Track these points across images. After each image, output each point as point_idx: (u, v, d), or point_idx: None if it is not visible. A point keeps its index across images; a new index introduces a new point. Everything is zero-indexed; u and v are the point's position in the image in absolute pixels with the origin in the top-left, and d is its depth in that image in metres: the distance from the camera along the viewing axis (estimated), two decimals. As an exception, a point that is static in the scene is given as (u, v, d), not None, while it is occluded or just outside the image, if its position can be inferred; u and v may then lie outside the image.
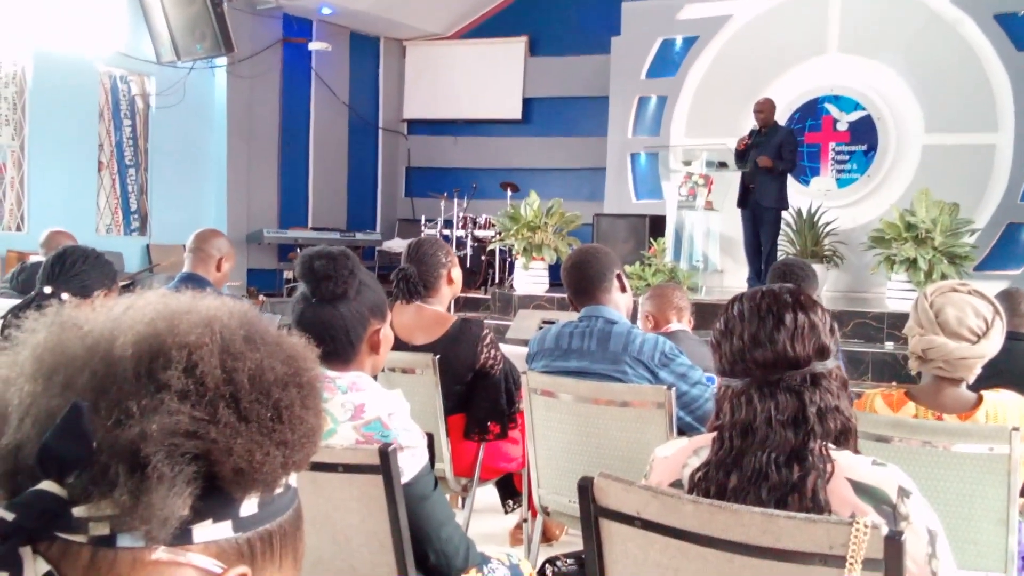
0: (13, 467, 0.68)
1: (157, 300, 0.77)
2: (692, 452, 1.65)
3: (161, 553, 0.69)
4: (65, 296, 2.56)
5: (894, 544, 1.33)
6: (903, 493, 1.48)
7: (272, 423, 0.73)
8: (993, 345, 2.35)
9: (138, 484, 0.66)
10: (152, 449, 0.67)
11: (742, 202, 8.66)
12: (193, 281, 3.93)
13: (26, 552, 0.65)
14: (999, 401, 2.40)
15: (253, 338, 0.75)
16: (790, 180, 8.90)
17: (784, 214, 8.78)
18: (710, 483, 1.57)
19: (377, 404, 1.96)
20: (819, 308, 1.64)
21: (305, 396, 0.77)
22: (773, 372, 1.58)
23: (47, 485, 0.66)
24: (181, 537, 0.69)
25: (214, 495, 0.71)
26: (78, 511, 0.67)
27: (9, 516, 0.65)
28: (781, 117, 9.21)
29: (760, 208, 8.49)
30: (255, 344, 0.75)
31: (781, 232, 8.81)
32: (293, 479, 0.79)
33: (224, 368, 0.72)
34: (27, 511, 0.65)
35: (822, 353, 1.59)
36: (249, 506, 0.74)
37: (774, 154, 8.30)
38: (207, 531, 0.71)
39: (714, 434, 1.62)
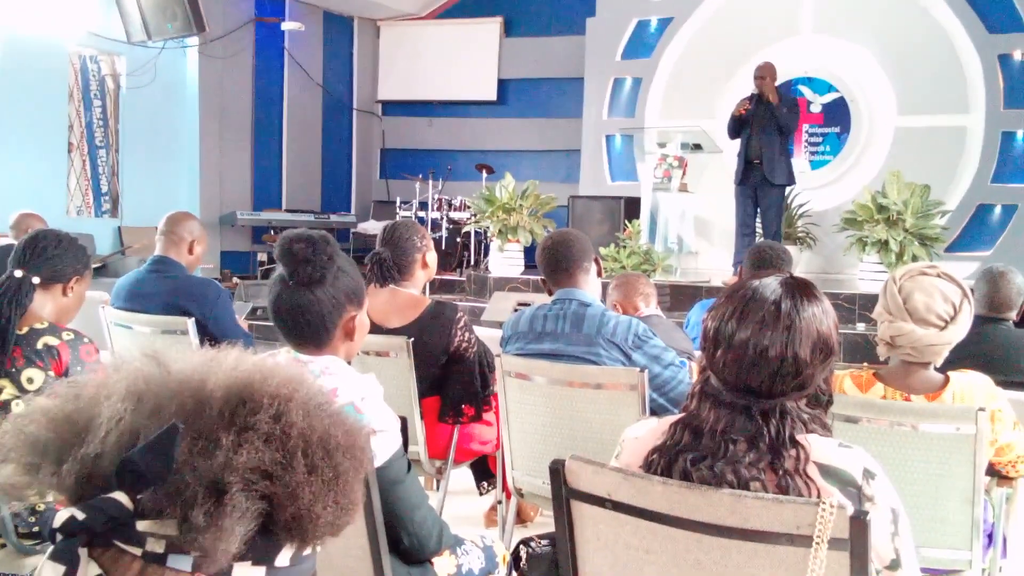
0: (88, 474, 0.73)
1: (245, 356, 0.85)
2: (663, 433, 1.66)
3: None
4: (36, 280, 2.53)
5: (859, 524, 1.35)
6: (868, 475, 1.50)
7: (332, 483, 0.80)
8: (961, 330, 2.37)
9: (214, 508, 0.72)
10: (233, 479, 0.73)
11: (742, 179, 8.25)
12: (165, 264, 3.89)
13: (83, 553, 0.71)
14: (966, 382, 2.43)
15: (323, 406, 0.84)
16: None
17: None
18: (655, 468, 1.58)
19: (350, 388, 1.96)
20: (828, 348, 1.56)
21: (357, 469, 0.84)
22: (743, 397, 1.56)
23: (118, 495, 0.71)
24: (222, 570, 0.75)
25: (263, 538, 0.77)
26: (142, 525, 0.72)
27: (80, 515, 0.70)
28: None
29: (768, 186, 8.15)
30: (325, 411, 0.83)
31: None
32: (318, 547, 0.86)
33: (303, 424, 0.79)
34: (97, 514, 0.70)
35: (802, 387, 1.56)
36: (283, 558, 0.80)
37: (785, 120, 8.05)
38: (244, 571, 0.77)
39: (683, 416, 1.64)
